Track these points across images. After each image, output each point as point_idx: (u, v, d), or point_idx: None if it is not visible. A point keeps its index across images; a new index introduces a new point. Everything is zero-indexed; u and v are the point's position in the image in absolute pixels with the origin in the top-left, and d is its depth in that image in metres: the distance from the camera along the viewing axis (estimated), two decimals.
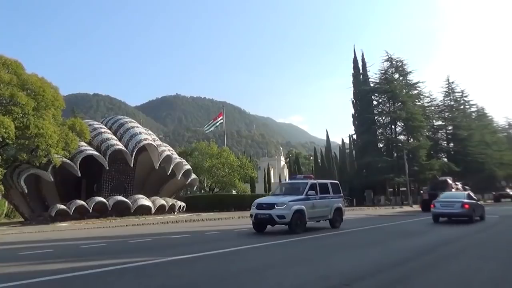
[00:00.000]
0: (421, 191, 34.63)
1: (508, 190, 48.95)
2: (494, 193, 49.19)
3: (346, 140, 55.47)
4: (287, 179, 50.71)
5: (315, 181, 13.38)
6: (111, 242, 11.04)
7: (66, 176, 22.21)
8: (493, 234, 11.98)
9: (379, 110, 47.90)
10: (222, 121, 45.70)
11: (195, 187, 36.04)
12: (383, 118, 47.21)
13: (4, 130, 16.52)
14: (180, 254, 7.75)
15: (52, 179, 20.42)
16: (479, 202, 17.53)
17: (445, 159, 50.63)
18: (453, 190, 24.71)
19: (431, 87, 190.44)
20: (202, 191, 40.24)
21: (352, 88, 48.52)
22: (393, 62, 47.61)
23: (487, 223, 15.30)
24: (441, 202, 16.06)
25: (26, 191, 19.45)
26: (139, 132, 25.08)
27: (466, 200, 15.68)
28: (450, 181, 27.40)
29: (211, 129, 48.34)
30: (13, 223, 21.71)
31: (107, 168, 22.69)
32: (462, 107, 57.95)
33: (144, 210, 23.38)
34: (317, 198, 12.76)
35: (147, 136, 25.46)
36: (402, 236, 11.11)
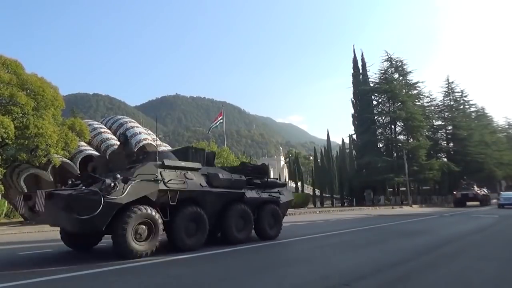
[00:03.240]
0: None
1: (477, 189, 33.85)
2: (454, 192, 34.75)
3: (346, 140, 55.59)
4: (287, 179, 50.75)
5: None
6: (110, 242, 11.00)
7: (66, 176, 22.21)
8: (493, 233, 11.98)
9: (379, 110, 47.91)
10: (222, 120, 45.72)
11: None
12: (383, 118, 47.21)
13: (4, 130, 16.50)
14: (180, 254, 7.74)
15: (52, 179, 20.41)
16: None
17: (445, 159, 50.67)
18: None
19: (431, 87, 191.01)
20: None
21: (352, 88, 48.53)
22: (393, 62, 47.65)
23: (488, 223, 15.36)
24: (504, 198, 28.60)
25: (26, 191, 19.44)
26: (139, 132, 25.07)
27: None
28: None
29: (212, 129, 48.56)
30: (13, 223, 21.68)
31: None
32: (461, 107, 57.97)
33: None
34: None
35: (147, 136, 25.45)
36: (402, 236, 11.09)
